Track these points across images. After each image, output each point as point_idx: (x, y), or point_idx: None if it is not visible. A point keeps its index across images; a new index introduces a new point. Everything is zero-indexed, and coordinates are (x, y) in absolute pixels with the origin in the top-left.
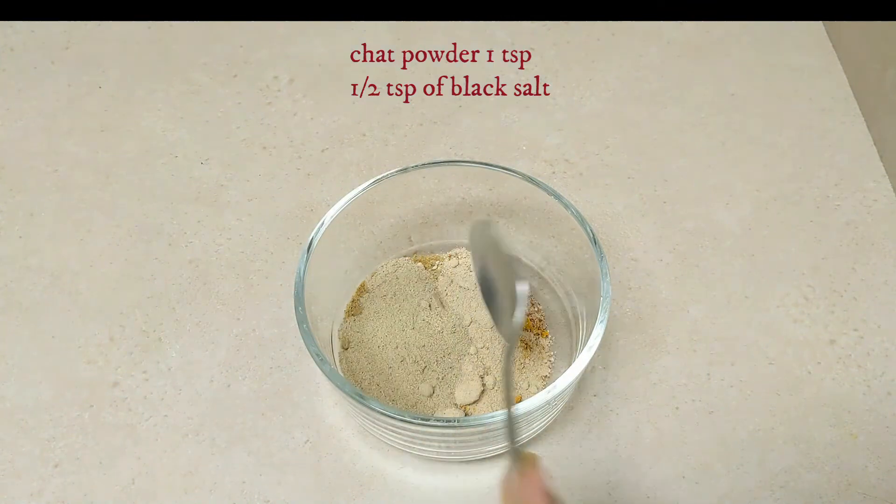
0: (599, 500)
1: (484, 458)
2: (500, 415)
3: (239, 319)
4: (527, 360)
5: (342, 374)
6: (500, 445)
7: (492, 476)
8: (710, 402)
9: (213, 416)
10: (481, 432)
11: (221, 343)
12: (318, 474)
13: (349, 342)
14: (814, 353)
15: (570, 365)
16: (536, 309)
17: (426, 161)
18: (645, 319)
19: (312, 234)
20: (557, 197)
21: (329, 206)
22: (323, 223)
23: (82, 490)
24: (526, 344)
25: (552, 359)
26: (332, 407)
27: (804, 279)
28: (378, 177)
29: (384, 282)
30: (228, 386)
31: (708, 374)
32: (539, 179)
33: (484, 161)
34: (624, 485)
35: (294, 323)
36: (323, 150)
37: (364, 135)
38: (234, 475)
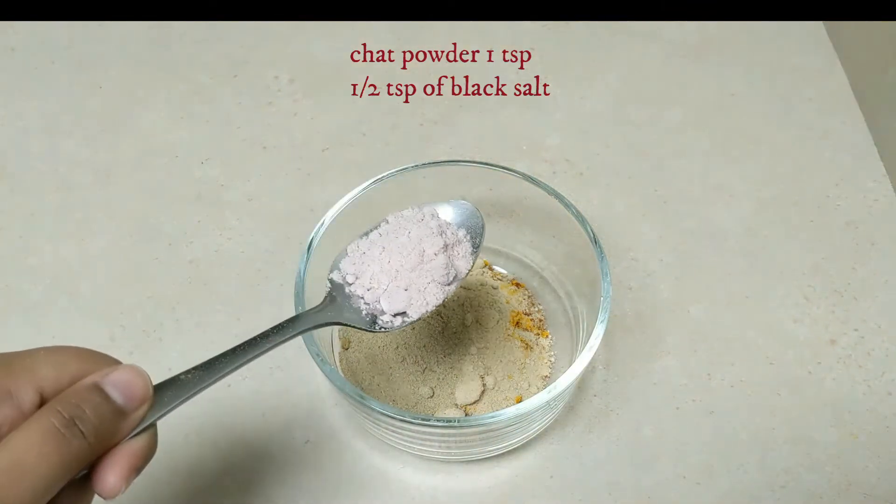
0: (599, 500)
1: (484, 459)
2: (500, 415)
3: (239, 319)
4: (527, 360)
5: (342, 375)
6: (501, 445)
7: (492, 476)
8: (710, 402)
9: (213, 417)
10: (481, 432)
11: (222, 343)
12: (318, 474)
13: (349, 342)
14: (814, 353)
15: (570, 365)
16: (537, 309)
17: (426, 161)
18: (645, 319)
19: (312, 234)
20: (558, 197)
21: (329, 206)
22: (323, 223)
23: None
24: (526, 344)
25: (552, 359)
26: (333, 407)
27: (804, 279)
28: (378, 177)
29: None
30: (229, 386)
31: (708, 374)
32: (539, 179)
33: (484, 161)
34: (624, 485)
35: None
36: (323, 150)
37: (364, 135)
38: (235, 475)
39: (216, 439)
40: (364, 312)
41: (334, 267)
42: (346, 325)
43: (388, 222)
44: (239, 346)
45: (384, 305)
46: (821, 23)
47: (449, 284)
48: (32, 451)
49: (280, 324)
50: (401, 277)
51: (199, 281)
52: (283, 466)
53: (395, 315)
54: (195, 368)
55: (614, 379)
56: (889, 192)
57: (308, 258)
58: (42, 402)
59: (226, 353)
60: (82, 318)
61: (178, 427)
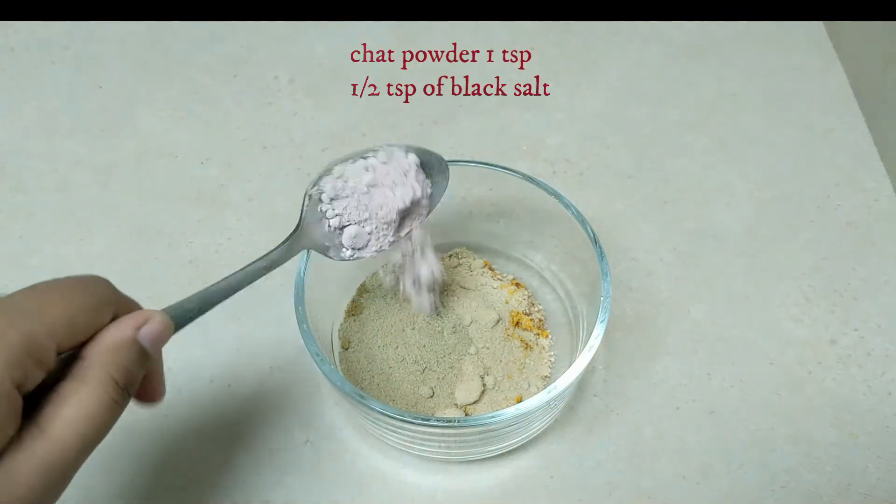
0: (599, 500)
1: (484, 459)
2: (500, 415)
3: (239, 319)
4: (527, 360)
5: (342, 374)
6: (501, 445)
7: (492, 476)
8: (710, 403)
9: (213, 416)
10: (481, 432)
11: (222, 343)
12: (317, 474)
13: (349, 342)
14: (814, 354)
15: (570, 365)
16: (537, 309)
17: None
18: (645, 319)
19: None
20: (558, 197)
21: None
22: None
23: (82, 490)
24: (526, 344)
25: (552, 359)
26: (332, 407)
27: (805, 279)
28: None
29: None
30: (228, 385)
31: (708, 374)
32: (539, 179)
33: (484, 161)
34: (624, 485)
35: (294, 323)
36: (323, 150)
37: (364, 135)
38: (234, 475)
39: (215, 439)
40: (327, 231)
41: (315, 183)
42: (311, 249)
43: (376, 155)
44: (229, 275)
45: (345, 238)
46: (821, 23)
47: (401, 235)
48: (91, 421)
49: (258, 259)
50: (369, 222)
51: (199, 281)
52: (282, 466)
53: (353, 249)
54: (195, 296)
55: (614, 379)
56: (889, 192)
57: (308, 258)
58: None
59: (218, 283)
60: None
61: (178, 427)
